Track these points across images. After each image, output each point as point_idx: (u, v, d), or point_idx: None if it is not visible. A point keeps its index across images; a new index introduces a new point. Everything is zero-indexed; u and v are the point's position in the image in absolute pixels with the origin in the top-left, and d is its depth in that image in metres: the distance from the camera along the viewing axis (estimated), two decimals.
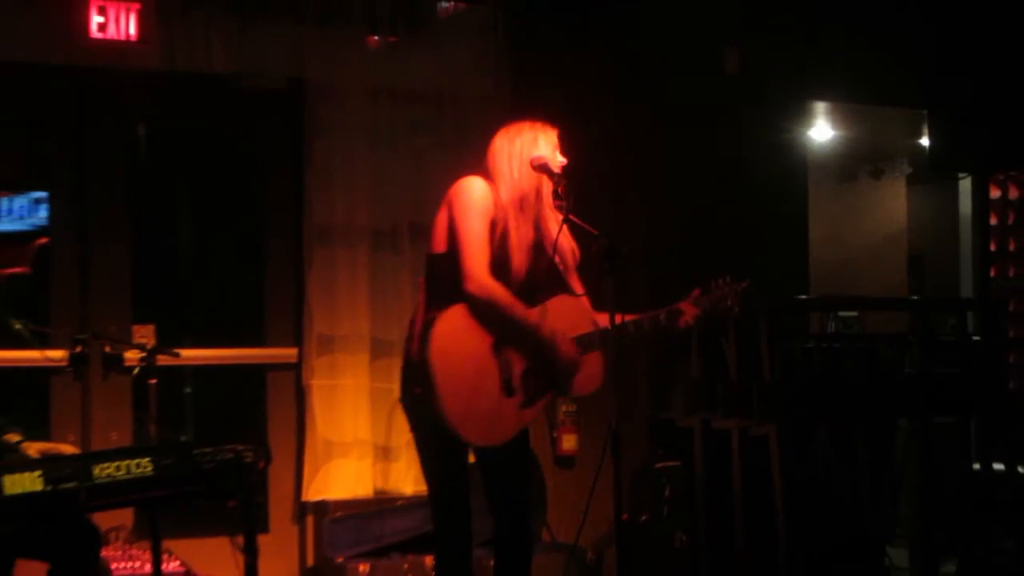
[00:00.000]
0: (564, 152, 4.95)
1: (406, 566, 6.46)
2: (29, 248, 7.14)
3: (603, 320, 4.69)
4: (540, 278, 4.91)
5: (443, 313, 4.67)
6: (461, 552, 5.00)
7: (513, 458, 5.05)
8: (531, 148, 4.88)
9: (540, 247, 4.92)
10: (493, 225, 4.77)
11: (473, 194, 4.77)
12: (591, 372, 4.88)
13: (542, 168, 4.88)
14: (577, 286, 5.00)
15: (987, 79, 5.83)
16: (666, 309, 4.91)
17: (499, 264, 4.76)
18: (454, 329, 4.67)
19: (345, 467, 6.89)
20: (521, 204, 4.86)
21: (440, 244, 4.81)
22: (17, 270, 6.90)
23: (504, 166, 4.87)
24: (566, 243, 4.99)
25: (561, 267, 4.98)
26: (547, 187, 4.85)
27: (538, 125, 4.99)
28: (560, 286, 4.95)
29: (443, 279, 4.75)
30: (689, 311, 4.91)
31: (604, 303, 4.62)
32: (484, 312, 4.67)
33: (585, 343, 4.80)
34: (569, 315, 4.84)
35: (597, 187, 5.15)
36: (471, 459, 5.06)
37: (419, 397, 4.67)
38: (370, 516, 6.76)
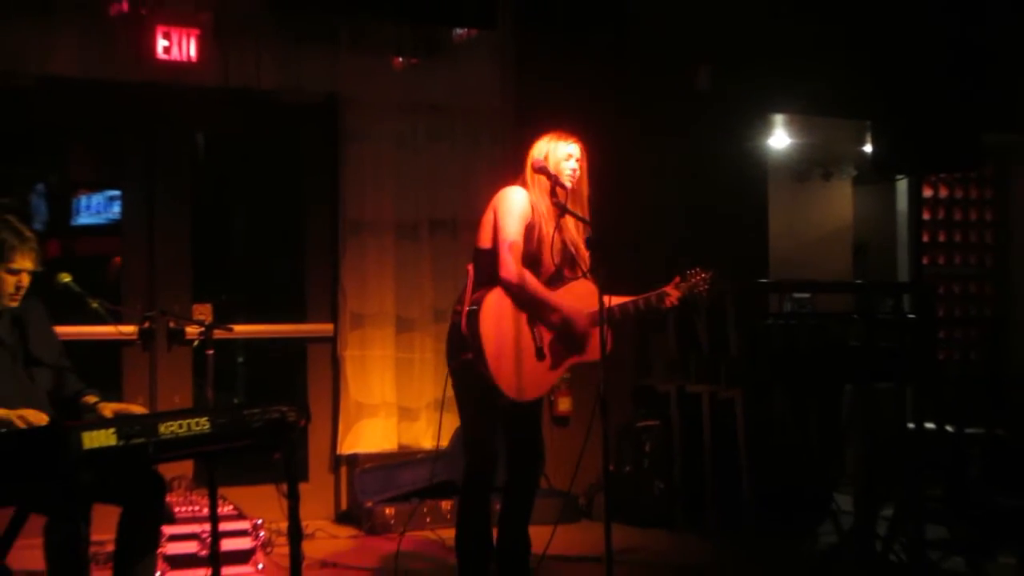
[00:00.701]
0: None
1: (425, 509, 6.46)
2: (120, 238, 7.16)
3: (614, 300, 4.91)
4: (564, 266, 5.06)
5: (488, 295, 4.86)
6: (485, 493, 5.13)
7: (533, 417, 5.19)
8: (550, 158, 5.00)
9: (563, 241, 5.03)
10: (531, 228, 4.93)
11: (513, 202, 4.94)
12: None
13: (541, 170, 4.91)
14: (583, 268, 5.07)
15: (922, 94, 5.80)
16: (656, 292, 5.09)
17: (534, 259, 4.95)
18: (497, 307, 4.86)
19: (373, 425, 6.90)
20: (548, 207, 4.98)
21: (486, 241, 4.97)
22: (118, 260, 6.92)
23: (531, 178, 5.00)
24: (575, 234, 5.07)
25: (574, 252, 5.06)
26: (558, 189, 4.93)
27: (554, 136, 5.07)
28: (576, 271, 5.08)
29: (487, 269, 4.92)
30: (673, 293, 5.09)
31: (612, 288, 4.79)
32: (515, 294, 4.87)
33: (597, 318, 4.87)
34: (586, 296, 4.94)
35: (593, 187, 5.11)
36: None
37: (470, 362, 4.83)
38: (394, 467, 6.76)
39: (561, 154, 5.01)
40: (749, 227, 7.79)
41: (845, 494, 6.77)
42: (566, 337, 4.98)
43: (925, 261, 7.62)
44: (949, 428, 6.43)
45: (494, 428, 5.08)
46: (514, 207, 4.93)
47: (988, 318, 9.16)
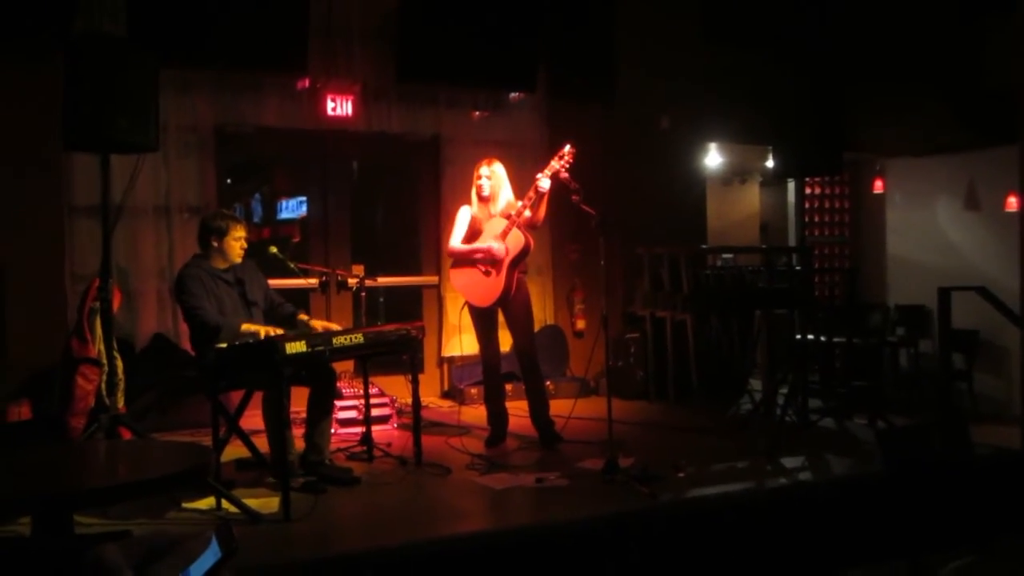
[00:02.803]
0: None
1: None
2: (299, 227, 7.18)
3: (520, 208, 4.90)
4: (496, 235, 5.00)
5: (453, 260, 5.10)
6: (495, 379, 5.15)
7: (524, 336, 5.08)
8: (475, 180, 5.06)
9: (497, 219, 5.02)
10: (472, 221, 5.05)
11: (458, 213, 5.12)
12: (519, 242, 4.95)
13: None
14: (518, 213, 4.96)
15: (803, 128, 5.66)
16: (533, 187, 4.87)
17: (475, 236, 5.04)
18: (458, 264, 5.08)
19: (462, 339, 6.88)
20: (482, 207, 5.06)
21: None
22: (297, 239, 6.94)
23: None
24: (511, 207, 5.02)
25: (514, 213, 4.97)
26: (491, 190, 5.03)
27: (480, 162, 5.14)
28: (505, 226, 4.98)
29: None
30: (536, 183, 4.86)
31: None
32: (452, 255, 5.07)
33: (500, 233, 4.97)
34: (496, 225, 5.00)
35: (596, 188, 5.04)
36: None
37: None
38: (474, 364, 6.74)
39: (475, 175, 5.06)
40: (694, 213, 7.63)
41: (756, 379, 6.71)
42: (494, 257, 4.95)
43: (806, 233, 7.49)
44: (822, 338, 6.32)
45: (487, 332, 5.07)
46: (457, 216, 5.09)
47: (846, 269, 8.99)
